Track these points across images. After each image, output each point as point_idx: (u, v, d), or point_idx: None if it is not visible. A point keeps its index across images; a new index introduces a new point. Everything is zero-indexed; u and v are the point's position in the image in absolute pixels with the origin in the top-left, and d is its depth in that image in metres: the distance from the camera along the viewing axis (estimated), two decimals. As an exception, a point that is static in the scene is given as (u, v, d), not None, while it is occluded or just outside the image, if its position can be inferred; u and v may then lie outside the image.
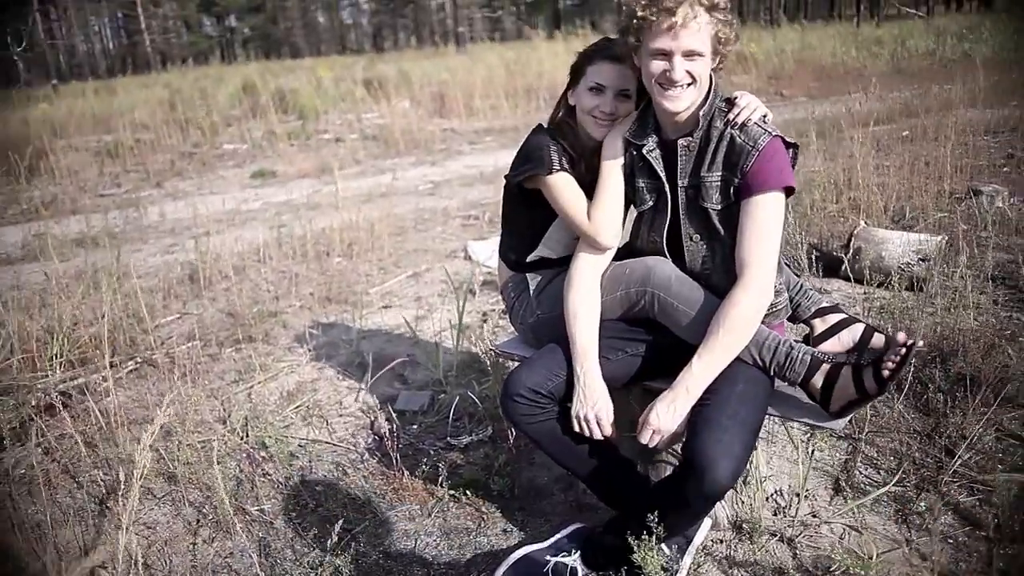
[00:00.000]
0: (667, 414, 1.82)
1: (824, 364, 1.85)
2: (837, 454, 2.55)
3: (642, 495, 2.02)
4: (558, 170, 2.11)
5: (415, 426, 2.97)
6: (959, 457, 2.38)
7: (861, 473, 2.43)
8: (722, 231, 1.94)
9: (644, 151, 1.99)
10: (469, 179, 7.84)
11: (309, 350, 3.66)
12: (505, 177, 2.34)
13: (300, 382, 3.38)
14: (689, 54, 1.81)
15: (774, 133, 1.85)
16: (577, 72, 2.17)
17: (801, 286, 2.16)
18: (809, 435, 2.57)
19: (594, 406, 1.92)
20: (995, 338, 3.10)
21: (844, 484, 2.38)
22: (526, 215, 2.29)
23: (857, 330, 2.06)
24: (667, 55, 1.82)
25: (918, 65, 13.34)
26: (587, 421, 1.92)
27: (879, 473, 2.43)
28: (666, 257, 2.02)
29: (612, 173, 2.06)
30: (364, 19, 59.42)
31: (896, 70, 12.98)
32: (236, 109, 13.18)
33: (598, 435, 1.93)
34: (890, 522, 2.21)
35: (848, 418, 1.89)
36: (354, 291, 4.52)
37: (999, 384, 2.66)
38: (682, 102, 1.85)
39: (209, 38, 48.20)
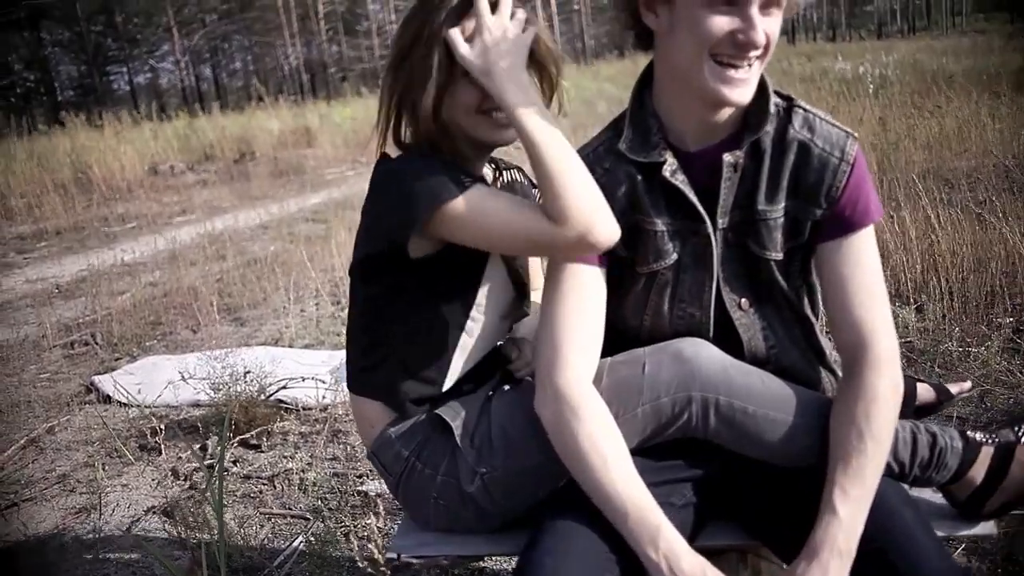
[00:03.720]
0: (820, 598, 1.10)
1: (984, 447, 1.29)
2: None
3: None
4: (468, 184, 1.28)
5: None
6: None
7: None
8: (785, 289, 1.29)
9: (666, 173, 1.26)
10: (43, 296, 5.96)
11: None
12: (362, 261, 1.40)
13: None
14: (768, 3, 1.15)
15: (855, 134, 1.28)
16: (430, 60, 1.33)
17: None
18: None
19: None
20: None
21: None
22: (418, 306, 1.39)
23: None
24: (741, 2, 1.13)
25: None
26: None
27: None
28: (709, 340, 1.30)
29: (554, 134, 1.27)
30: None
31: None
32: None
33: None
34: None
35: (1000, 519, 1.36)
36: (-60, 491, 2.84)
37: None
38: (750, 87, 1.18)
39: None
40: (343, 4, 49.95)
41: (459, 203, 1.25)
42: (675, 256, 1.29)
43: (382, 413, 1.43)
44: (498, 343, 1.53)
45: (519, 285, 1.49)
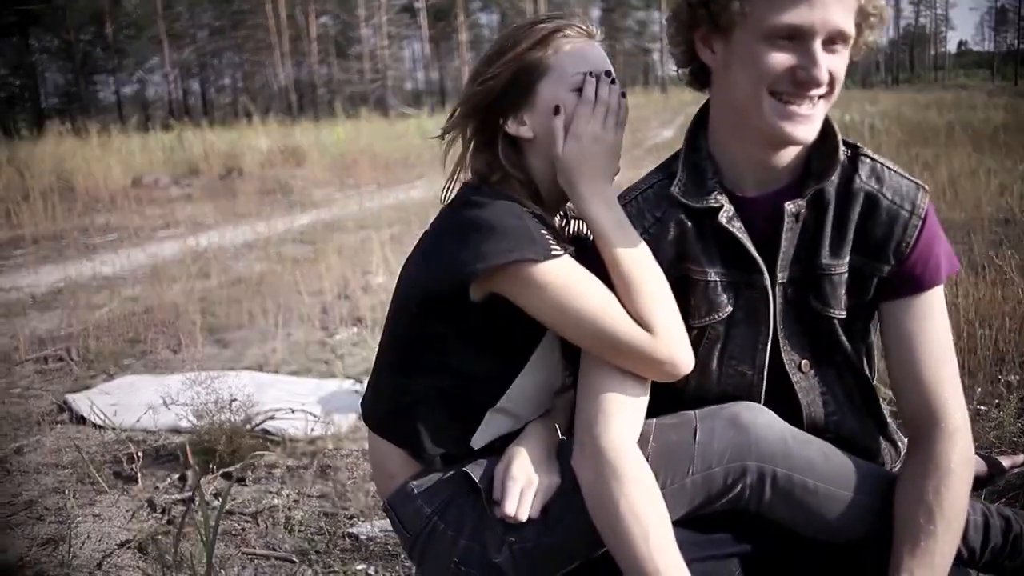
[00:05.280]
0: None
1: None
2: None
3: None
4: (558, 253, 1.16)
5: None
6: None
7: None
8: (848, 350, 1.20)
9: (722, 219, 1.16)
10: (17, 306, 5.77)
11: None
12: (413, 291, 1.28)
13: None
14: (833, 39, 1.07)
15: (926, 186, 1.19)
16: (527, 75, 1.23)
17: None
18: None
19: None
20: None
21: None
22: (463, 356, 1.26)
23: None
24: (803, 37, 1.05)
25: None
26: None
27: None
28: (760, 401, 1.20)
29: (647, 255, 1.18)
30: None
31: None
32: None
33: None
34: None
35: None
36: None
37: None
38: (814, 124, 1.09)
39: None
40: (336, 27, 50.18)
41: (545, 269, 1.14)
42: (729, 308, 1.20)
43: (404, 462, 1.31)
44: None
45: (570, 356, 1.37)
